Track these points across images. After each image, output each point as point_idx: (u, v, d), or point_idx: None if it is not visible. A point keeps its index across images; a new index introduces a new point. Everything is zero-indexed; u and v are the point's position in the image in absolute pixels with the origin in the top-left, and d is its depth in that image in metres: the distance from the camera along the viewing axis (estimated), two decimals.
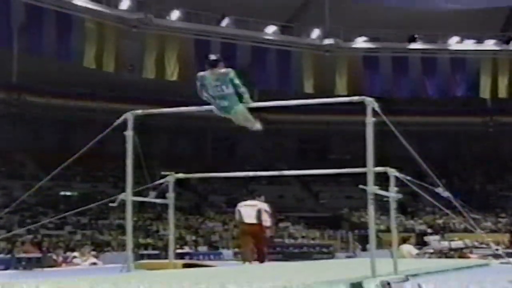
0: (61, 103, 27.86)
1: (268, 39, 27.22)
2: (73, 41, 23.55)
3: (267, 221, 9.50)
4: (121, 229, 21.98)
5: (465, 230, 22.14)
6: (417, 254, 12.46)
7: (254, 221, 9.49)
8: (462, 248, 14.35)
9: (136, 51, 25.68)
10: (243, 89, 6.53)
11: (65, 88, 27.75)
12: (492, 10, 26.60)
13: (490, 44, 28.30)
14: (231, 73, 6.47)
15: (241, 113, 6.60)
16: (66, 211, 17.86)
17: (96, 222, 24.91)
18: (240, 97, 6.54)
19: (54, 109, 27.78)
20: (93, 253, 16.26)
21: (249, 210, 9.60)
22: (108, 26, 24.46)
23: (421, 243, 24.24)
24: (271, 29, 27.31)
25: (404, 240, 12.67)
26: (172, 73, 25.73)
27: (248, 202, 9.96)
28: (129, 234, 7.23)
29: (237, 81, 6.49)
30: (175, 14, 25.84)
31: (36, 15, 22.81)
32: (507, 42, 28.04)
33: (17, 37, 23.07)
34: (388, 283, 5.35)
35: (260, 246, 9.49)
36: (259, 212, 9.43)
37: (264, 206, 9.65)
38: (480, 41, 28.14)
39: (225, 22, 26.40)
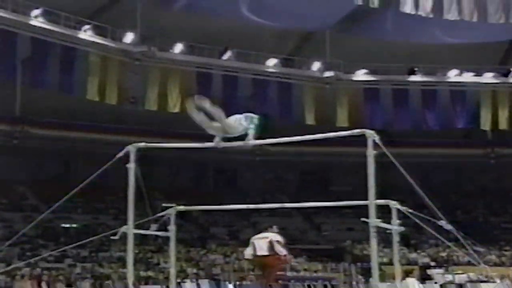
0: (64, 135, 27.96)
1: (269, 72, 27.51)
2: (77, 74, 23.83)
3: (281, 251, 9.57)
4: (122, 261, 21.80)
5: (469, 263, 21.90)
6: None
7: (265, 253, 9.53)
8: (467, 282, 14.13)
9: (139, 84, 25.92)
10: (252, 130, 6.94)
11: (67, 120, 27.90)
12: (490, 44, 26.94)
13: (489, 77, 28.55)
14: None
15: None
16: (66, 243, 17.85)
17: (96, 254, 24.69)
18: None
19: (56, 140, 27.86)
20: None
21: (261, 243, 9.66)
22: (112, 59, 24.80)
23: (424, 277, 24.02)
24: (272, 61, 27.62)
25: (407, 274, 12.52)
26: (175, 105, 25.93)
27: (261, 235, 10.04)
28: (130, 267, 7.31)
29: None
30: (178, 47, 26.19)
31: (41, 48, 23.16)
32: (506, 75, 28.31)
33: (21, 70, 23.37)
34: None
35: (273, 278, 9.52)
36: (270, 243, 9.47)
37: (276, 237, 9.72)
38: (479, 74, 28.41)
39: (227, 55, 26.71)
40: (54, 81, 23.64)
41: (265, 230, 9.87)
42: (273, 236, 9.56)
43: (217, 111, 6.95)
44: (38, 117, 27.10)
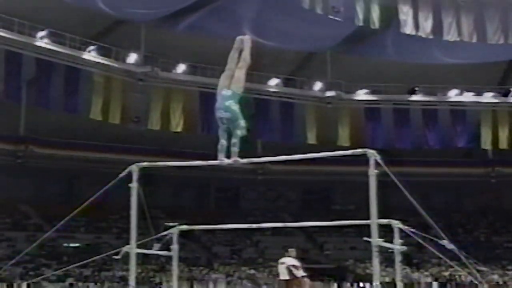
0: (67, 154, 28.06)
1: (271, 91, 27.70)
2: (81, 94, 24.07)
3: (299, 274, 10.04)
4: (124, 281, 21.76)
5: (472, 283, 21.83)
6: None
7: (286, 277, 10.01)
8: None
9: (142, 103, 26.11)
10: (241, 121, 6.69)
11: (71, 140, 28.04)
12: (490, 64, 27.17)
13: (489, 97, 28.71)
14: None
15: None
16: (69, 262, 17.86)
17: (99, 274, 24.63)
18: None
19: (60, 160, 27.96)
20: None
21: (282, 268, 9.92)
22: (115, 79, 25.07)
23: None
24: (274, 81, 27.82)
25: None
26: (177, 124, 26.13)
27: (282, 259, 10.57)
28: (133, 286, 7.31)
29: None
30: (180, 68, 26.46)
31: (45, 69, 23.45)
32: (506, 95, 28.51)
33: (26, 90, 23.62)
34: None
35: None
36: (288, 269, 9.89)
37: (292, 262, 10.21)
38: (479, 93, 28.58)
39: None
40: (59, 101, 23.86)
41: (285, 252, 10.30)
42: (289, 260, 9.99)
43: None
44: (42, 136, 27.26)
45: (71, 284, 23.42)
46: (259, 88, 27.22)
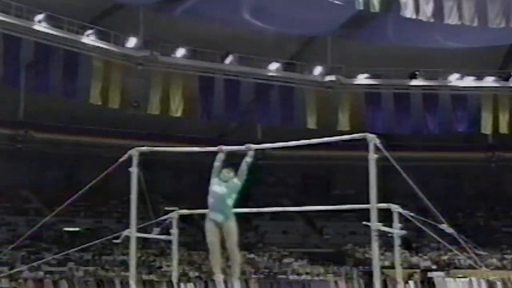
0: (67, 139, 28.05)
1: (271, 76, 27.55)
2: (80, 78, 23.92)
3: None
4: (125, 265, 21.86)
5: (471, 267, 21.95)
6: None
7: None
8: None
9: (142, 88, 26.00)
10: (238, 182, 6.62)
11: (71, 124, 28.00)
12: (491, 48, 27.01)
13: (490, 81, 28.58)
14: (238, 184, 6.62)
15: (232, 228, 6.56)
16: (69, 246, 17.94)
17: (99, 258, 24.74)
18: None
19: (59, 145, 27.95)
20: None
21: None
22: (115, 64, 24.89)
23: (425, 279, 24.07)
24: (274, 66, 27.65)
25: (409, 277, 12.59)
26: (177, 109, 26.04)
27: None
28: (133, 270, 7.35)
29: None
30: (180, 52, 26.31)
31: (44, 53, 23.29)
32: (507, 79, 28.37)
33: (24, 75, 23.49)
34: None
35: None
36: None
37: None
38: (480, 78, 28.43)
39: (229, 59, 26.80)
40: (58, 85, 23.72)
41: None
42: None
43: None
44: (41, 121, 27.21)
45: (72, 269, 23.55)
46: (258, 73, 27.14)
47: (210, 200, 6.52)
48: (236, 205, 6.62)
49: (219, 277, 6.32)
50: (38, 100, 25.44)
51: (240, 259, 6.53)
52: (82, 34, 24.07)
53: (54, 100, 25.30)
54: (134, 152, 7.27)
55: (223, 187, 6.50)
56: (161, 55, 25.62)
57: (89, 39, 24.08)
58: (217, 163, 6.72)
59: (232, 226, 6.38)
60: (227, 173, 6.60)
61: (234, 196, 6.53)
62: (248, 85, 27.22)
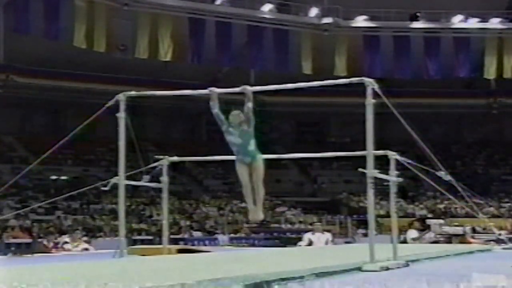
0: (51, 84, 27.05)
1: (264, 18, 26.69)
2: (62, 20, 23.09)
3: None
4: (114, 214, 21.34)
5: (467, 215, 21.59)
6: (413, 238, 12.09)
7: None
8: (463, 234, 13.92)
9: (128, 31, 25.13)
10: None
11: (55, 69, 26.95)
12: None
13: (495, 23, 27.67)
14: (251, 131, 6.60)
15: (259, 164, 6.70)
16: (56, 195, 17.33)
17: (87, 207, 24.35)
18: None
19: (44, 90, 27.01)
20: (85, 238, 15.74)
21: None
22: (99, 4, 23.98)
23: (425, 227, 23.78)
24: (267, 7, 26.66)
25: (409, 225, 12.61)
26: (166, 53, 25.30)
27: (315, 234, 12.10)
28: (122, 219, 7.24)
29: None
30: None
31: None
32: None
33: (2, 15, 22.34)
34: (387, 268, 5.31)
35: None
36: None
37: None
38: (484, 20, 27.49)
39: (220, 0, 25.71)
40: (39, 26, 22.80)
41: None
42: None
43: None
44: (23, 65, 26.07)
45: (60, 217, 23.09)
46: (251, 14, 26.13)
47: (233, 148, 6.63)
48: (259, 148, 6.69)
49: (252, 209, 6.71)
50: (19, 42, 24.32)
51: (264, 193, 6.72)
52: None
53: (36, 43, 24.23)
54: (121, 97, 7.08)
55: (237, 137, 6.50)
56: None
57: None
58: (215, 110, 6.54)
59: (258, 165, 6.65)
60: (235, 115, 6.49)
61: (252, 141, 6.58)
62: (241, 28, 26.20)
